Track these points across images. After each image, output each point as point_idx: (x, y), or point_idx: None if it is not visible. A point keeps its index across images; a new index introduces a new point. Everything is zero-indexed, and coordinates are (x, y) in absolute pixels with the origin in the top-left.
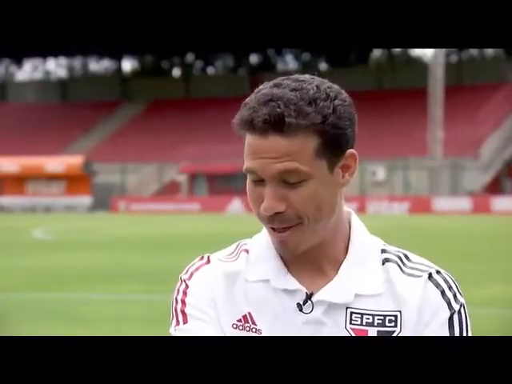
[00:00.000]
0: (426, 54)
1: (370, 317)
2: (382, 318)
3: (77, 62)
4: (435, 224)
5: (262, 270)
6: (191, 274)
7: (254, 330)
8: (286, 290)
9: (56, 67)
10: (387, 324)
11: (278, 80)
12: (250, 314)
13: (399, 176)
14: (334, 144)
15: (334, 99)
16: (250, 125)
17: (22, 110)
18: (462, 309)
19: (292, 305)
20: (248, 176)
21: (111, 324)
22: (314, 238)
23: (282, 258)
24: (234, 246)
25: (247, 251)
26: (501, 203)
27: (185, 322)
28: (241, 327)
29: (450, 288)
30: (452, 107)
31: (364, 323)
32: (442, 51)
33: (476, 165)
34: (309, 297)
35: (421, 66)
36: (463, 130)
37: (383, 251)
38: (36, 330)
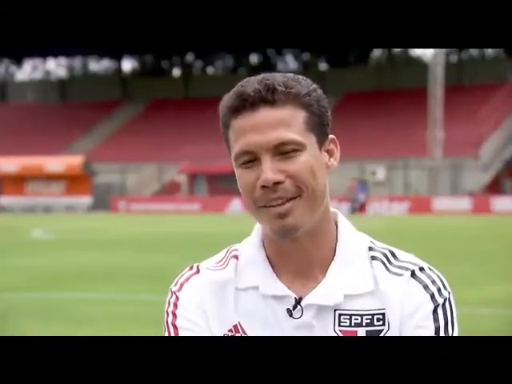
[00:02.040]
0: (426, 53)
1: (359, 317)
2: (370, 317)
3: (77, 62)
4: (435, 224)
5: (251, 277)
6: (181, 286)
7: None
8: (274, 297)
9: (56, 67)
10: (375, 323)
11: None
12: (239, 323)
13: (399, 176)
14: (319, 120)
15: (313, 85)
16: (241, 99)
17: (21, 109)
18: (447, 302)
19: (281, 311)
20: (238, 164)
21: (111, 324)
22: (311, 217)
23: (270, 262)
24: (223, 252)
25: (236, 257)
26: (501, 203)
27: (176, 334)
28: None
29: (433, 282)
30: (452, 107)
31: (353, 324)
32: (442, 51)
33: (476, 165)
34: (298, 301)
35: (421, 65)
36: (463, 129)
37: (370, 249)
38: (36, 330)
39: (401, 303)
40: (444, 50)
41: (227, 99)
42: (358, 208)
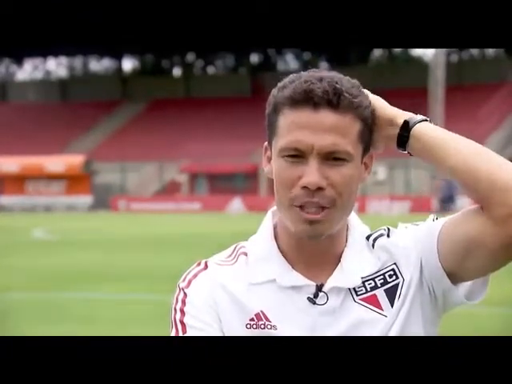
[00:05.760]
0: (426, 53)
1: (372, 281)
2: (381, 276)
3: (77, 62)
4: None
5: (266, 271)
6: (189, 282)
7: (268, 326)
8: (293, 287)
9: (56, 67)
10: (389, 280)
11: (310, 71)
12: (262, 311)
13: (400, 175)
14: (369, 134)
15: (369, 97)
16: (307, 96)
17: (22, 109)
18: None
19: (302, 300)
20: (282, 155)
21: (111, 324)
22: (338, 225)
23: (284, 255)
24: (231, 248)
25: (246, 254)
26: None
27: (184, 332)
28: (255, 326)
29: (408, 226)
30: (452, 107)
31: (369, 289)
32: (442, 51)
33: None
34: (319, 288)
35: (421, 65)
36: (464, 129)
37: (369, 236)
38: (36, 330)
39: (407, 246)
40: (444, 49)
41: (290, 89)
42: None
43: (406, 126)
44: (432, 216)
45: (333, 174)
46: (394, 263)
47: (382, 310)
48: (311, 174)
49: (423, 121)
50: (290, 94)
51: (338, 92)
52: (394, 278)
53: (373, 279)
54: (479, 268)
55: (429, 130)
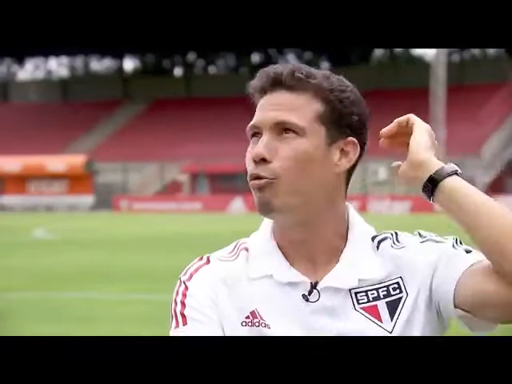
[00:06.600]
0: (427, 53)
1: (375, 291)
2: (385, 288)
3: (78, 62)
4: (437, 223)
5: (264, 266)
6: (190, 275)
7: (263, 324)
8: (290, 283)
9: (58, 66)
10: (392, 293)
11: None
12: (256, 309)
13: None
14: (336, 118)
15: (348, 87)
16: (263, 78)
17: (23, 109)
18: (457, 240)
19: (297, 297)
20: (249, 138)
21: (112, 324)
22: (288, 202)
23: (282, 252)
24: (232, 245)
25: (247, 249)
26: (503, 202)
27: (184, 324)
28: (250, 323)
29: (436, 236)
30: (454, 106)
31: (371, 299)
32: (444, 51)
33: (478, 164)
34: (313, 286)
35: (423, 65)
36: (465, 129)
37: (374, 237)
38: (36, 330)
39: (418, 263)
40: (446, 49)
41: (254, 80)
42: None
43: (433, 179)
44: (452, 240)
45: (282, 147)
46: (400, 277)
47: (382, 322)
48: (258, 145)
49: (454, 173)
50: (253, 82)
51: (291, 72)
52: (398, 291)
53: (376, 289)
54: (493, 318)
55: (458, 190)
